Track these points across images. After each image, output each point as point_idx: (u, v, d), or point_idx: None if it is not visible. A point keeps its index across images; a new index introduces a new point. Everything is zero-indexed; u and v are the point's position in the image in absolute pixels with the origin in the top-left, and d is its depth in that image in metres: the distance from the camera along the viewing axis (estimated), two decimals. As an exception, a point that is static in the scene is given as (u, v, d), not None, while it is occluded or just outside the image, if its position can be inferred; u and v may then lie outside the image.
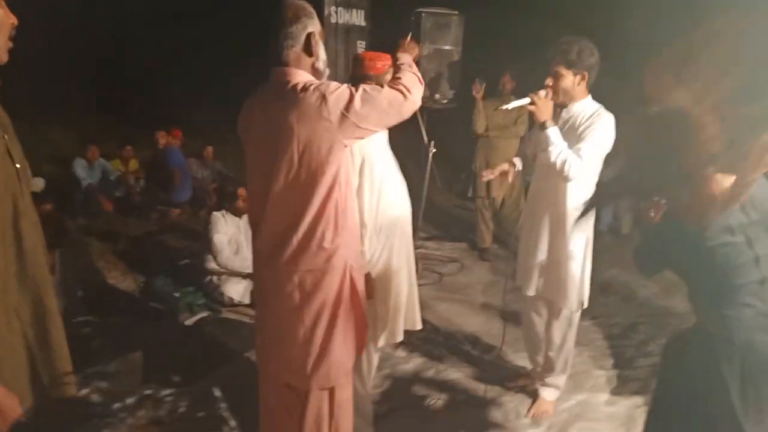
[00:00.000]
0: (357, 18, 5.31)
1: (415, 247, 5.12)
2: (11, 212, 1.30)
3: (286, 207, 1.87)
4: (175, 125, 7.06)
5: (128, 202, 6.40)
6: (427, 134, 5.10)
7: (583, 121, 2.62)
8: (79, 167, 6.16)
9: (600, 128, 2.55)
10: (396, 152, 2.70)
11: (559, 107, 2.75)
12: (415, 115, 4.76)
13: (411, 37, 2.22)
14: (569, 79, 2.61)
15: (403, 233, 2.64)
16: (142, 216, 6.21)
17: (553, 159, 2.53)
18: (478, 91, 5.25)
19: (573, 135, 2.61)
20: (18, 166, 1.35)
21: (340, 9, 5.22)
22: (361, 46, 5.30)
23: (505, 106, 2.69)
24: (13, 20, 1.29)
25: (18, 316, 1.32)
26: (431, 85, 5.16)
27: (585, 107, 2.67)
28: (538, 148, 2.66)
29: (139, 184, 6.63)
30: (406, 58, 2.09)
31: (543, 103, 2.58)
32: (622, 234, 6.37)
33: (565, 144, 2.57)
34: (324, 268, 1.89)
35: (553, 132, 2.57)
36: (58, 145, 7.98)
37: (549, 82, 2.63)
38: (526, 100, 2.62)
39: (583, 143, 2.53)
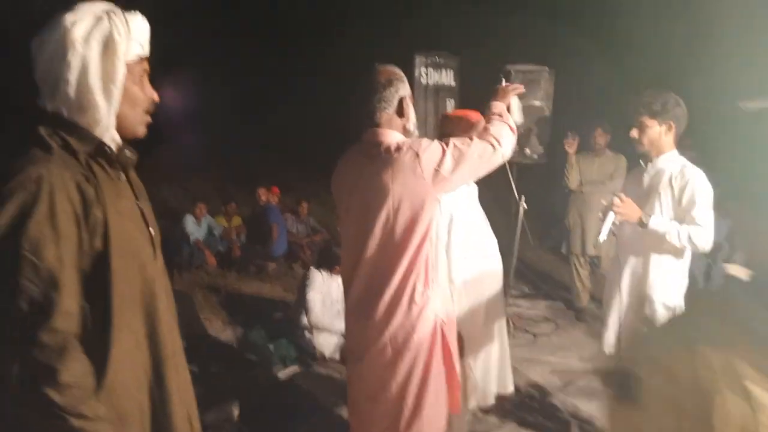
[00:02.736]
0: (446, 78, 5.44)
1: (507, 305, 5.01)
2: (140, 279, 1.31)
3: (379, 263, 1.91)
4: (272, 182, 7.49)
5: (230, 256, 6.77)
6: (517, 189, 5.03)
7: (676, 177, 2.58)
8: (189, 223, 6.63)
9: (703, 189, 2.53)
10: (487, 207, 2.70)
11: (642, 160, 2.71)
12: (505, 170, 4.74)
13: (505, 82, 2.23)
14: (655, 129, 2.60)
15: (494, 291, 2.59)
16: (242, 269, 6.53)
17: (678, 244, 2.51)
18: (571, 145, 5.15)
19: (666, 192, 2.58)
20: (152, 231, 1.40)
21: (430, 69, 5.37)
22: (450, 105, 5.40)
23: (600, 239, 2.61)
24: (155, 97, 1.37)
25: (145, 374, 1.31)
26: (521, 141, 5.10)
27: (672, 161, 2.63)
28: (643, 239, 2.58)
29: (241, 239, 7.01)
30: (498, 107, 2.10)
31: (625, 206, 2.54)
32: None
33: (675, 224, 2.52)
34: (415, 323, 1.90)
35: (657, 223, 2.53)
36: (167, 201, 8.68)
37: (635, 133, 2.62)
38: (610, 217, 2.56)
39: (696, 210, 2.51)
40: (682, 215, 2.57)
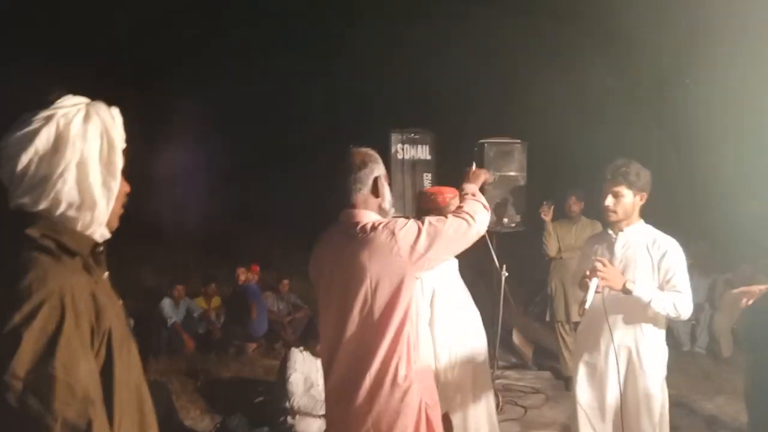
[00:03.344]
0: (422, 153, 5.57)
1: (495, 378, 4.91)
2: (133, 383, 1.27)
3: (359, 345, 1.88)
4: (253, 257, 7.42)
5: (209, 338, 6.58)
6: (498, 258, 5.06)
7: (652, 247, 2.64)
8: (167, 306, 6.48)
9: (680, 257, 2.62)
10: (469, 278, 2.70)
11: (611, 231, 2.75)
12: (485, 240, 4.77)
13: (476, 165, 2.30)
14: (629, 199, 2.65)
15: (480, 365, 2.54)
16: (221, 352, 6.34)
17: (663, 311, 2.55)
18: (547, 213, 5.25)
19: (644, 262, 2.62)
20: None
21: (406, 146, 5.52)
22: (427, 179, 5.50)
23: (583, 309, 2.57)
24: (127, 189, 1.33)
25: None
26: (498, 211, 5.21)
27: (643, 231, 2.70)
28: (622, 307, 2.61)
29: (220, 321, 6.85)
30: (470, 188, 2.16)
31: (608, 271, 2.54)
32: (723, 357, 5.83)
33: (659, 292, 2.56)
34: (398, 407, 1.83)
35: (641, 291, 2.54)
36: (145, 281, 8.52)
37: (610, 202, 2.64)
38: (594, 282, 2.56)
39: (676, 278, 2.58)
40: (662, 284, 2.62)
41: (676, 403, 4.70)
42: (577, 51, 7.88)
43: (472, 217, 1.95)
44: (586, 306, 2.53)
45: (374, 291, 1.84)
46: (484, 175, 2.28)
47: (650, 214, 2.84)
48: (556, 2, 7.62)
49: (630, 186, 2.64)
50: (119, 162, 1.26)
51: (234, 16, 8.96)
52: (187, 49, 9.18)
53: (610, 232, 2.74)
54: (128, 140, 1.32)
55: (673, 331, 6.24)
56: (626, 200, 2.65)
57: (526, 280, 7.19)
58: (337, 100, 9.36)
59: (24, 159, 1.17)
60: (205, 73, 9.43)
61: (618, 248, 2.66)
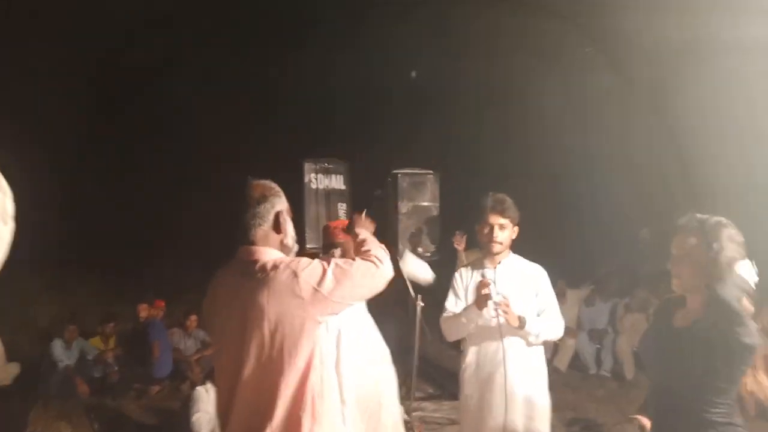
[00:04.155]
0: (336, 182, 5.52)
1: (412, 410, 4.83)
2: None
3: (258, 395, 1.73)
4: (157, 294, 6.96)
5: (105, 382, 6.07)
6: (413, 289, 5.04)
7: (529, 276, 2.80)
8: (57, 348, 5.92)
9: (549, 284, 2.84)
10: (386, 308, 2.64)
11: (488, 263, 2.82)
12: (400, 270, 4.72)
13: (365, 213, 2.24)
14: (509, 230, 2.78)
15: (388, 405, 2.45)
16: (119, 396, 5.85)
17: (548, 338, 2.76)
18: (459, 242, 5.33)
19: (526, 291, 2.77)
20: None
21: (319, 175, 5.44)
22: (342, 209, 5.44)
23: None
24: None
25: None
26: (412, 240, 5.23)
27: (517, 260, 2.86)
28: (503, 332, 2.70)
29: (118, 362, 6.34)
30: (365, 233, 2.08)
31: (509, 313, 2.64)
32: (627, 379, 6.10)
33: (542, 321, 2.72)
34: (302, 462, 1.69)
35: (533, 326, 2.69)
36: (37, 320, 7.79)
37: (497, 236, 2.74)
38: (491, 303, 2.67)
39: (550, 308, 2.79)
40: (539, 312, 2.79)
41: (584, 427, 4.85)
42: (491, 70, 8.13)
43: (381, 261, 1.87)
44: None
45: (272, 335, 1.70)
46: (371, 225, 2.20)
47: (541, 241, 2.98)
48: (490, 24, 7.82)
49: (512, 218, 2.78)
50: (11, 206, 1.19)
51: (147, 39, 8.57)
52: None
53: (487, 264, 2.78)
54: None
55: (579, 355, 6.48)
56: (506, 231, 2.78)
57: (442, 309, 7.23)
58: (247, 127, 9.15)
59: None
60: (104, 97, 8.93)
61: (496, 279, 2.72)
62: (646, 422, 2.11)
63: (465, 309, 2.73)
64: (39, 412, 5.32)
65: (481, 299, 2.62)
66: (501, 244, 2.75)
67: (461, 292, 2.82)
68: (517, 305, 2.69)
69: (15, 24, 6.94)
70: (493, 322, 2.65)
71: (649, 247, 6.65)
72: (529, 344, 2.76)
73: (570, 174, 7.93)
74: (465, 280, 2.86)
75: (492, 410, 2.70)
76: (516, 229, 2.82)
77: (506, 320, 2.60)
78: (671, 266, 1.91)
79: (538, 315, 2.77)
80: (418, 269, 4.33)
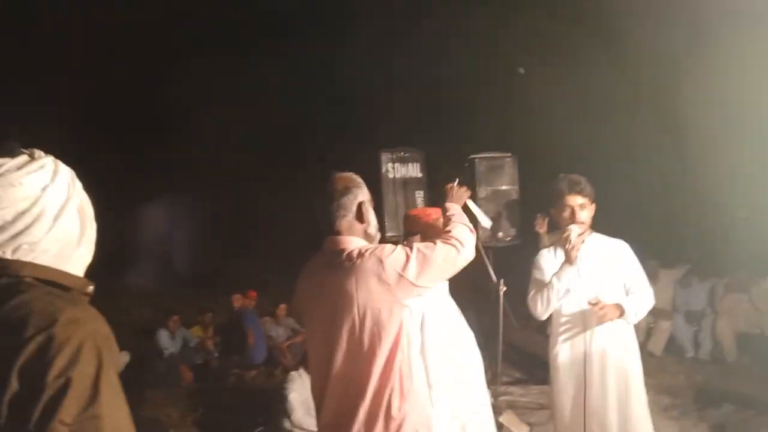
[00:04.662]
0: (413, 171, 5.54)
1: (499, 395, 4.82)
2: None
3: (349, 377, 1.82)
4: (250, 286, 7.34)
5: (207, 368, 6.49)
6: (495, 273, 5.01)
7: (612, 255, 2.76)
8: (162, 338, 6.39)
9: (635, 260, 2.80)
10: (467, 295, 2.67)
11: (558, 248, 2.81)
12: (481, 255, 4.72)
13: (458, 182, 2.26)
14: (588, 209, 2.74)
15: (476, 388, 2.47)
16: (219, 381, 6.24)
17: (644, 314, 2.73)
18: (541, 225, 5.23)
19: (613, 271, 2.74)
20: None
21: (396, 164, 5.48)
22: (419, 197, 5.46)
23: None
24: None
25: None
26: (492, 225, 5.17)
27: (600, 240, 2.80)
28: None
29: (217, 349, 6.76)
30: (454, 208, 2.11)
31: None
32: (729, 362, 5.75)
33: (636, 299, 2.69)
34: (394, 439, 1.77)
35: (630, 308, 2.65)
36: (142, 316, 8.42)
37: (579, 217, 2.69)
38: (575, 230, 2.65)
39: (639, 281, 2.75)
40: (627, 290, 2.75)
41: (683, 413, 4.63)
42: (565, 58, 7.90)
43: (461, 243, 1.90)
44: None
45: (362, 320, 1.78)
46: (466, 193, 2.23)
47: (648, 222, 2.90)
48: (550, 13, 7.65)
49: (590, 197, 2.73)
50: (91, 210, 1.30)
51: (198, 40, 8.97)
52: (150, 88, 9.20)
53: (558, 246, 2.81)
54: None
55: (675, 338, 6.18)
56: (587, 211, 2.73)
57: (526, 292, 7.13)
58: (326, 122, 9.38)
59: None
60: (183, 103, 9.44)
61: (582, 260, 2.67)
62: None
63: (556, 273, 2.71)
64: (147, 398, 5.78)
65: (570, 253, 2.62)
66: (584, 223, 2.69)
67: (547, 271, 2.78)
68: (607, 285, 2.67)
69: (15, 23, 7.43)
70: (581, 309, 2.66)
71: (747, 226, 6.22)
72: (627, 324, 2.74)
73: (656, 150, 7.55)
74: (548, 259, 2.83)
75: (586, 395, 2.66)
76: (594, 206, 2.76)
77: (606, 317, 2.57)
78: None
79: (627, 290, 2.74)
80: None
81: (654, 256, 5.89)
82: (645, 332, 5.93)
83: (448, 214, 2.10)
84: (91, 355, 1.06)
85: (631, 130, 7.60)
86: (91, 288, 1.24)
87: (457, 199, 2.19)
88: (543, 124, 8.43)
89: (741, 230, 6.47)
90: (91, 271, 1.31)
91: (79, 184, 1.29)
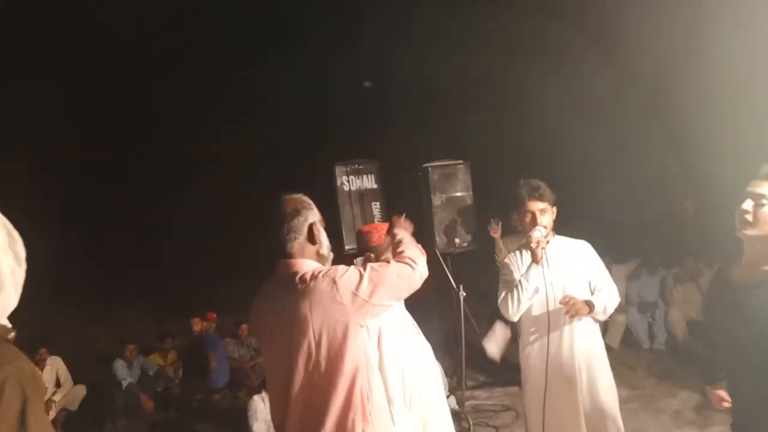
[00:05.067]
0: (368, 182, 5.56)
1: (465, 400, 4.86)
2: None
3: (309, 401, 1.80)
4: (208, 307, 7.19)
5: (168, 395, 6.31)
6: (454, 279, 5.07)
7: (576, 254, 2.85)
8: (119, 368, 6.19)
9: (598, 258, 2.89)
10: (429, 302, 2.70)
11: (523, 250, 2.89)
12: (440, 262, 4.75)
13: (405, 216, 2.27)
14: (549, 213, 2.82)
15: (436, 398, 2.49)
16: (182, 408, 6.08)
17: (612, 310, 2.81)
18: (495, 230, 5.31)
19: (578, 270, 2.82)
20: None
21: (351, 177, 5.50)
22: (376, 208, 5.49)
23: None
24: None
25: None
26: (448, 232, 5.24)
27: (562, 242, 2.89)
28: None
29: (178, 376, 6.58)
30: (403, 234, 2.13)
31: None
32: (682, 351, 5.96)
33: (603, 296, 2.77)
34: (357, 462, 1.76)
35: (599, 304, 2.73)
36: (95, 343, 8.13)
37: (540, 222, 2.77)
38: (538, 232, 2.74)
39: (604, 279, 2.83)
40: (594, 287, 2.82)
41: (643, 405, 4.78)
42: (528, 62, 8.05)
43: (415, 262, 1.92)
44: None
45: (318, 343, 1.77)
46: (411, 226, 2.24)
47: (585, 219, 3.01)
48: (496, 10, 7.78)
49: (551, 202, 2.81)
50: (23, 251, 1.28)
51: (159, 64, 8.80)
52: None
53: (530, 248, 2.84)
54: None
55: (631, 331, 6.37)
56: (548, 215, 2.82)
57: (487, 296, 7.22)
58: (280, 136, 9.30)
59: None
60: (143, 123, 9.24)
61: (549, 263, 2.75)
62: (723, 393, 2.09)
63: (524, 273, 2.78)
64: (108, 431, 5.58)
65: (536, 252, 2.72)
66: (546, 228, 2.76)
67: (515, 273, 2.83)
68: (573, 284, 2.75)
69: (16, 23, 7.20)
70: (548, 309, 2.74)
71: (693, 218, 6.49)
72: (595, 321, 2.84)
73: (600, 153, 7.80)
74: (515, 261, 2.89)
75: (557, 395, 2.72)
76: (555, 209, 2.84)
77: (577, 314, 2.64)
78: (744, 217, 1.87)
79: (593, 289, 2.82)
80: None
81: (605, 253, 6.07)
82: (602, 326, 6.07)
83: (398, 239, 2.11)
84: (16, 392, 1.11)
85: (583, 131, 7.79)
86: (12, 335, 1.25)
87: (405, 228, 2.20)
88: (496, 131, 8.60)
89: (689, 223, 6.74)
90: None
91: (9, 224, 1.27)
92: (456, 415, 3.46)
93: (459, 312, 4.95)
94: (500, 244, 5.33)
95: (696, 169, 7.13)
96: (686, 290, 6.27)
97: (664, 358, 5.98)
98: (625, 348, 6.29)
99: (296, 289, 1.82)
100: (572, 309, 2.63)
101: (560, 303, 2.65)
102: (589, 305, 2.68)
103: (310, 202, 2.00)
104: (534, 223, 2.76)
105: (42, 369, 5.80)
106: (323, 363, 1.78)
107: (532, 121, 8.33)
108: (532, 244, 2.72)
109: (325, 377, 1.77)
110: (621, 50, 6.95)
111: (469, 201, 5.38)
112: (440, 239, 5.23)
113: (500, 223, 5.33)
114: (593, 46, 7.17)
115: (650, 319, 6.36)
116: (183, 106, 9.03)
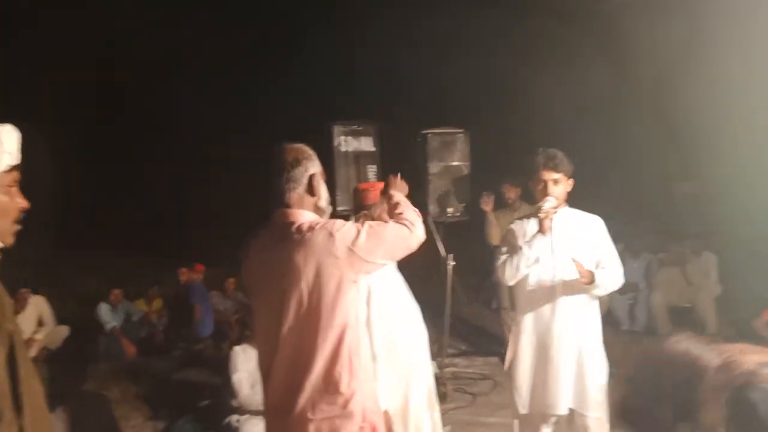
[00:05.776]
0: (365, 144, 5.49)
1: (444, 366, 4.93)
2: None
3: (297, 351, 1.80)
4: (198, 259, 7.18)
5: (151, 342, 6.35)
6: (445, 247, 5.08)
7: (584, 227, 2.78)
8: (103, 311, 6.20)
9: (607, 236, 2.80)
10: (416, 269, 2.68)
11: (526, 216, 2.90)
12: (430, 230, 4.73)
13: (400, 176, 2.24)
14: (563, 185, 2.76)
15: (420, 361, 2.52)
16: (165, 355, 6.12)
17: (612, 289, 2.76)
18: (487, 203, 5.31)
19: (584, 243, 2.75)
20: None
21: (348, 138, 5.43)
22: (371, 171, 5.43)
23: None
24: (23, 205, 1.30)
25: None
26: (441, 201, 5.23)
27: (573, 214, 2.82)
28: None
29: (162, 323, 6.61)
30: (399, 196, 2.10)
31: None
32: (661, 335, 6.06)
33: (606, 272, 2.70)
34: (341, 414, 1.78)
35: (600, 278, 2.66)
36: (88, 288, 8.14)
37: (551, 192, 2.70)
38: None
39: (610, 257, 2.76)
40: (598, 262, 2.75)
41: (620, 383, 4.88)
42: (528, 41, 7.97)
43: (413, 224, 1.91)
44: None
45: (310, 295, 1.77)
46: (407, 188, 2.20)
47: (584, 197, 2.95)
48: None
49: (566, 172, 2.75)
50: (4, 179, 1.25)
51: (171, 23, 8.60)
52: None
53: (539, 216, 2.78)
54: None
55: (612, 311, 6.46)
56: (561, 185, 2.75)
57: (475, 267, 7.27)
58: (281, 91, 9.18)
59: None
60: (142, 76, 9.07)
61: (554, 232, 2.71)
62: None
63: (528, 240, 2.75)
64: (89, 373, 5.61)
65: (543, 222, 2.68)
66: (557, 199, 2.73)
67: (519, 240, 2.81)
68: (577, 257, 2.68)
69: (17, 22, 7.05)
70: (550, 278, 2.70)
71: (689, 201, 6.51)
72: (592, 297, 2.79)
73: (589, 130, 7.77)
74: (520, 228, 2.86)
75: (548, 374, 2.73)
76: (571, 181, 2.78)
77: (580, 276, 2.61)
78: None
79: (597, 265, 2.77)
80: None
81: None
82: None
83: (394, 200, 2.07)
84: None
85: (576, 113, 7.77)
86: None
87: (401, 190, 2.16)
88: (498, 100, 8.53)
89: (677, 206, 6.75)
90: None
91: (6, 146, 1.25)
92: (436, 380, 3.51)
93: (446, 280, 4.99)
94: (491, 216, 5.34)
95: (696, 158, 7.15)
96: (670, 275, 6.33)
97: (643, 342, 6.08)
98: (605, 327, 6.37)
99: (292, 238, 1.81)
100: (579, 266, 2.61)
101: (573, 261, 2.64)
102: (591, 276, 2.64)
103: (312, 152, 1.96)
104: (545, 192, 2.72)
105: (23, 308, 5.79)
106: (313, 314, 1.77)
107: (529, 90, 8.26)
108: (540, 215, 2.69)
109: (314, 328, 1.77)
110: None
111: (466, 171, 5.34)
112: (433, 207, 5.22)
113: (492, 197, 5.32)
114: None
115: (631, 301, 6.45)
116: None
